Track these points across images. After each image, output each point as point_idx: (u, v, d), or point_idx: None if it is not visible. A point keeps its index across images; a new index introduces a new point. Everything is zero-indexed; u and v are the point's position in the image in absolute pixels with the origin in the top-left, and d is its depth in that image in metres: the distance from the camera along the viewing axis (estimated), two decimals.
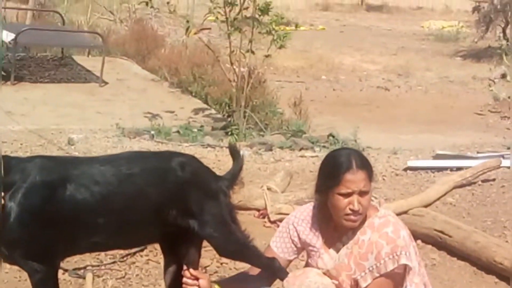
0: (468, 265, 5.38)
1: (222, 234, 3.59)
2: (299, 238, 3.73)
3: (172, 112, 10.36)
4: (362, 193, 3.51)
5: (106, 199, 3.44)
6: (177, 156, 3.71)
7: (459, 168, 7.60)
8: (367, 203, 3.55)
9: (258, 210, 6.15)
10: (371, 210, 3.62)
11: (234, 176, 3.80)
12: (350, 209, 3.50)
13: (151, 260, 5.16)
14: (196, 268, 3.64)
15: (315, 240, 3.70)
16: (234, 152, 3.91)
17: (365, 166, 3.55)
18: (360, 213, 3.52)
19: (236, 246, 3.64)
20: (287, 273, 3.71)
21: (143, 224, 3.55)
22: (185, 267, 3.62)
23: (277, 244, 3.77)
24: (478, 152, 8.57)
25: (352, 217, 3.52)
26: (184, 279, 3.59)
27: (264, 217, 6.07)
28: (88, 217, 3.43)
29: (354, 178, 3.49)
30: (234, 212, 3.72)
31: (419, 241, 5.68)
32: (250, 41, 9.54)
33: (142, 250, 5.30)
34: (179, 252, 3.66)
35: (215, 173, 3.76)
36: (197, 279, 3.59)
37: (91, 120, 9.65)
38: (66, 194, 3.39)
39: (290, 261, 3.82)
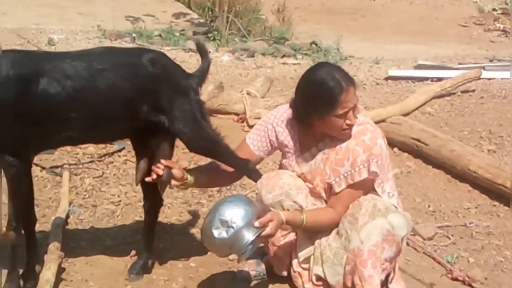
0: (442, 173, 5.43)
1: (192, 129, 3.61)
2: (277, 139, 3.75)
3: (154, 15, 10.24)
4: (354, 107, 3.54)
5: (78, 93, 3.44)
6: (148, 52, 3.71)
7: (439, 79, 7.62)
8: (357, 113, 3.58)
9: (237, 114, 6.15)
10: None
11: (203, 73, 3.81)
12: (347, 124, 3.53)
13: (129, 160, 5.18)
14: None
15: (292, 142, 3.72)
16: (202, 50, 3.91)
17: (350, 79, 3.55)
18: (353, 124, 3.56)
19: (207, 142, 3.66)
20: (261, 174, 3.75)
21: (114, 119, 3.56)
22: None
23: (253, 142, 3.79)
24: (459, 63, 8.57)
25: (348, 131, 3.56)
26: (153, 167, 3.61)
27: (243, 122, 6.07)
28: (60, 111, 3.44)
29: (347, 97, 3.50)
30: (204, 109, 3.74)
31: (395, 149, 5.74)
32: None
33: (120, 151, 5.33)
34: (150, 148, 3.68)
35: (184, 70, 3.76)
36: (169, 168, 3.62)
37: (72, 21, 9.53)
38: (38, 88, 3.39)
39: (263, 158, 3.85)
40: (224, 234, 3.42)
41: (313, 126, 3.60)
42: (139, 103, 3.55)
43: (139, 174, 3.75)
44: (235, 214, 3.43)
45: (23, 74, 3.39)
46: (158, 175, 3.61)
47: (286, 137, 3.73)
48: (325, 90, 3.50)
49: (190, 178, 3.71)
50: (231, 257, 3.88)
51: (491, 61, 9.18)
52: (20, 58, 3.48)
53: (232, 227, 3.41)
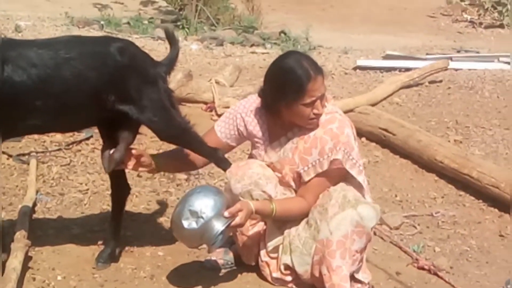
0: (410, 163, 5.46)
1: (161, 118, 3.60)
2: (246, 129, 3.75)
3: (122, 3, 10.19)
4: (322, 96, 3.54)
5: (44, 82, 3.41)
6: (116, 41, 3.68)
7: (407, 69, 7.67)
8: (325, 103, 3.59)
9: (206, 103, 6.14)
10: None
11: (171, 62, 3.79)
12: (314, 113, 3.54)
13: (96, 148, 5.13)
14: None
15: (261, 132, 3.73)
16: (171, 37, 3.89)
17: (319, 69, 3.56)
18: (321, 114, 3.56)
19: (176, 130, 3.66)
20: (230, 163, 3.75)
21: (81, 108, 3.53)
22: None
23: (221, 129, 3.79)
24: (427, 54, 8.63)
25: (315, 120, 3.57)
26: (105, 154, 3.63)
27: (211, 110, 6.06)
28: (26, 99, 3.40)
29: (315, 86, 3.51)
30: (173, 97, 3.72)
31: (363, 139, 5.76)
32: None
33: (88, 139, 5.29)
34: (117, 136, 3.65)
35: (153, 58, 3.74)
36: (139, 157, 3.64)
37: (39, 8, 9.46)
38: (3, 75, 3.35)
39: (232, 147, 3.86)
40: (194, 225, 3.42)
41: (281, 115, 3.61)
42: (107, 93, 3.53)
43: (105, 161, 3.71)
44: (204, 205, 3.43)
45: None
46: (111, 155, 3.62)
47: (255, 127, 3.74)
48: (293, 78, 3.51)
49: (157, 163, 3.71)
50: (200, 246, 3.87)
51: (458, 52, 9.26)
52: None
53: (202, 217, 3.41)
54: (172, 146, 4.98)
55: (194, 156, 3.80)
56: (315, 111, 3.53)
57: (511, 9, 11.58)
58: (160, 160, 3.74)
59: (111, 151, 3.63)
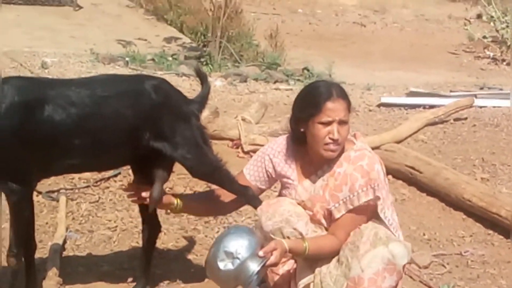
0: (437, 201, 5.45)
1: (194, 155, 3.63)
2: (274, 170, 3.76)
3: (146, 39, 10.28)
4: (341, 123, 3.54)
5: (82, 121, 3.46)
6: (150, 79, 3.74)
7: (432, 106, 7.67)
8: (346, 134, 3.58)
9: (232, 140, 6.16)
10: (348, 143, 3.65)
11: (203, 99, 3.84)
12: (330, 138, 3.53)
13: (124, 185, 5.16)
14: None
15: (291, 172, 3.73)
16: (201, 76, 3.94)
17: (345, 96, 3.58)
18: (339, 143, 3.56)
19: (209, 167, 3.68)
20: (261, 201, 3.76)
21: (117, 146, 3.58)
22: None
23: (250, 172, 3.81)
24: (451, 91, 8.64)
25: (331, 146, 3.55)
26: (143, 194, 3.67)
27: (237, 148, 6.08)
28: (64, 138, 3.45)
29: (334, 107, 3.52)
30: (206, 134, 3.76)
31: (390, 176, 5.74)
32: None
33: (116, 176, 5.32)
34: (149, 173, 3.69)
35: (185, 96, 3.78)
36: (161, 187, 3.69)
37: (65, 44, 9.55)
38: (43, 114, 3.40)
39: (262, 189, 3.86)
40: (230, 266, 3.41)
41: (306, 144, 3.61)
42: (142, 130, 3.57)
43: (150, 203, 3.75)
44: (239, 245, 3.42)
45: (28, 101, 3.40)
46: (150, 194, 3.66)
47: (283, 168, 3.75)
48: (314, 93, 3.56)
49: (178, 203, 3.73)
50: None
51: (481, 88, 9.25)
52: (25, 85, 3.49)
53: (238, 258, 3.40)
54: (199, 184, 5.07)
55: (221, 201, 3.81)
56: (330, 135, 3.52)
57: None
58: (184, 201, 3.77)
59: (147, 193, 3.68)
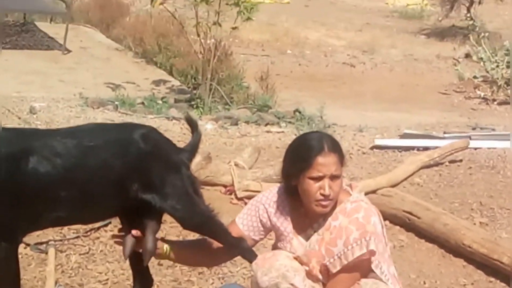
0: (436, 247, 5.33)
1: (185, 206, 3.48)
2: (270, 220, 3.62)
3: (134, 83, 10.20)
4: (333, 177, 3.40)
5: (69, 172, 3.31)
6: (139, 128, 3.59)
7: (426, 148, 7.58)
8: (338, 188, 3.44)
9: (225, 186, 6.04)
10: (343, 194, 3.51)
11: (194, 148, 3.69)
12: (321, 194, 3.39)
13: (115, 235, 5.02)
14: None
15: (286, 224, 3.59)
16: (192, 123, 3.80)
17: (337, 149, 3.44)
18: (331, 199, 3.42)
19: (200, 218, 3.53)
20: (256, 255, 3.61)
21: (105, 198, 3.42)
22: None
23: (243, 222, 3.66)
24: (445, 132, 8.56)
25: (323, 202, 3.41)
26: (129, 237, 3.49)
27: (231, 194, 5.96)
28: (50, 190, 3.30)
29: (325, 161, 3.38)
30: (197, 184, 3.61)
31: (387, 222, 5.62)
32: (218, 13, 9.37)
33: (106, 225, 5.17)
34: (139, 225, 3.54)
35: (175, 145, 3.65)
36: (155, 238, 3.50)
37: (53, 89, 9.46)
38: (28, 166, 3.25)
39: (256, 241, 3.69)
40: None
41: (299, 197, 3.48)
42: (130, 181, 3.42)
43: (127, 249, 3.61)
44: None
45: (12, 152, 3.26)
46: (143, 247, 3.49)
47: (279, 218, 3.61)
48: (304, 146, 3.42)
49: (165, 248, 3.58)
50: None
51: (474, 129, 9.19)
52: (8, 136, 3.36)
53: None
54: (193, 233, 4.93)
55: (212, 251, 3.66)
56: (322, 191, 3.38)
57: None
58: (174, 248, 3.61)
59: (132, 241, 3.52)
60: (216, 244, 3.66)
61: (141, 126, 3.77)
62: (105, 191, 3.41)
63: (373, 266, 3.44)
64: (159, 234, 3.90)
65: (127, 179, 3.41)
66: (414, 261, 5.15)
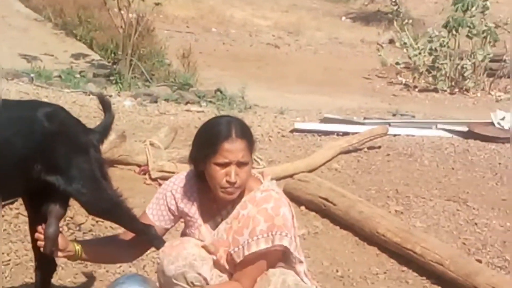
0: (350, 234, 5.26)
1: (91, 190, 3.33)
2: (177, 207, 3.48)
3: (52, 55, 9.92)
4: (240, 164, 3.28)
5: None
6: (44, 106, 3.41)
7: (345, 133, 7.55)
8: (246, 176, 3.32)
9: (139, 166, 5.87)
10: (254, 182, 3.40)
11: (105, 129, 3.54)
12: (227, 181, 3.28)
13: (21, 214, 4.81)
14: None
15: (194, 210, 3.45)
16: (105, 103, 3.63)
17: (246, 135, 3.32)
18: (238, 186, 3.30)
19: (107, 204, 3.38)
20: (164, 241, 3.48)
21: (6, 177, 3.25)
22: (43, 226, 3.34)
23: (153, 212, 3.51)
24: (365, 118, 8.55)
25: (229, 189, 3.29)
26: (37, 234, 3.32)
27: (145, 174, 5.80)
28: None
29: (232, 148, 3.26)
30: (105, 168, 3.46)
31: (302, 207, 5.57)
32: None
33: (12, 203, 4.95)
34: (44, 209, 3.37)
35: (84, 125, 3.48)
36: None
37: None
38: None
39: (167, 229, 3.56)
40: None
41: (207, 182, 3.36)
42: (33, 161, 3.25)
43: (46, 241, 3.44)
44: None
45: None
46: (44, 232, 3.32)
47: (186, 204, 3.47)
48: (211, 132, 3.31)
49: (77, 250, 3.40)
50: None
51: (394, 115, 9.23)
52: None
53: None
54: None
55: (125, 246, 3.51)
56: (227, 178, 3.27)
57: (445, 74, 11.66)
58: (85, 247, 3.43)
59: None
60: (130, 235, 3.52)
61: (47, 104, 3.59)
62: (6, 171, 3.24)
63: (283, 260, 3.34)
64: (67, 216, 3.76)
65: (30, 159, 3.25)
66: (328, 248, 5.08)
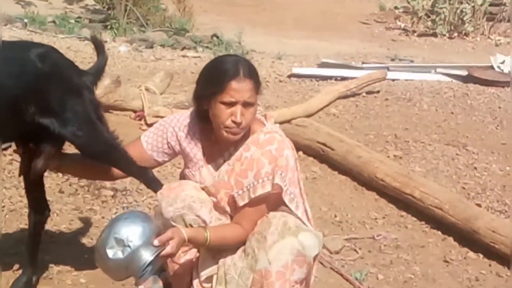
0: (349, 180, 5.22)
1: (86, 133, 3.27)
2: (179, 144, 3.41)
3: (47, 0, 9.77)
4: (246, 105, 3.21)
5: None
6: (36, 47, 3.33)
7: (343, 78, 7.47)
8: (251, 117, 3.26)
9: (135, 111, 5.81)
10: (257, 125, 3.33)
11: (99, 71, 3.47)
12: (232, 120, 3.21)
13: (15, 160, 4.75)
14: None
15: (196, 150, 3.39)
16: (98, 45, 3.55)
17: (253, 75, 3.24)
18: (242, 127, 3.23)
19: (103, 147, 3.32)
20: (162, 184, 3.42)
21: None
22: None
23: (148, 140, 3.43)
24: (363, 63, 8.44)
25: (233, 129, 3.22)
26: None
27: (140, 119, 5.75)
28: None
29: (239, 87, 3.19)
30: (100, 110, 3.39)
31: (300, 153, 5.50)
32: None
33: (5, 149, 4.89)
34: (37, 153, 3.31)
35: (78, 67, 3.40)
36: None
37: None
38: None
39: (158, 162, 3.48)
40: (120, 255, 3.06)
41: (210, 122, 3.29)
42: (26, 103, 3.17)
43: (26, 181, 3.40)
44: (131, 232, 3.08)
45: None
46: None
47: (188, 144, 3.41)
48: (219, 69, 3.22)
49: (66, 163, 3.39)
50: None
51: (392, 60, 9.13)
52: None
53: (129, 246, 3.06)
54: None
55: (106, 167, 3.46)
56: (233, 117, 3.20)
57: (444, 18, 11.52)
58: (69, 161, 3.40)
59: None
60: None
61: (39, 45, 3.51)
62: None
63: (287, 200, 3.29)
64: None
65: (23, 101, 3.18)
66: (326, 194, 5.04)
